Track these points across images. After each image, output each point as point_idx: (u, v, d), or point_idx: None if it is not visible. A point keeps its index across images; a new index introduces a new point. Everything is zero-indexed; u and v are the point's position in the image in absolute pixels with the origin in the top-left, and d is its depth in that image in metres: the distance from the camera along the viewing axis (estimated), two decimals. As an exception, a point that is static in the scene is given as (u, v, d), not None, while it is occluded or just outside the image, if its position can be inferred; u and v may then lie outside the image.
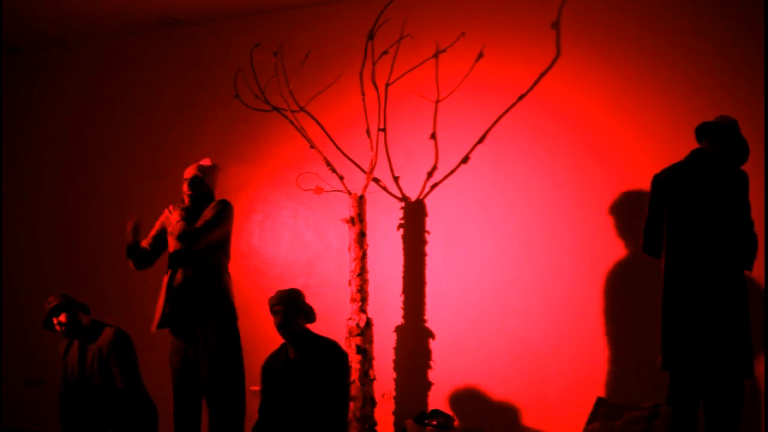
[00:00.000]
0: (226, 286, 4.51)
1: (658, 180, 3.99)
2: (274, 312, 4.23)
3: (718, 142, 3.92)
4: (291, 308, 4.19)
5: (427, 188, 5.25)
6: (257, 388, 4.46)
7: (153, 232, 4.74)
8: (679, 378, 3.84)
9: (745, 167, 3.88)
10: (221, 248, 4.54)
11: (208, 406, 4.51)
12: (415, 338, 5.18)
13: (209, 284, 4.45)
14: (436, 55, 5.21)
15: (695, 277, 3.76)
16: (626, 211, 4.68)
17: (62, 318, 4.65)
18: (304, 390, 4.13)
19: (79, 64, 6.63)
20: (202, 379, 4.47)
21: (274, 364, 4.30)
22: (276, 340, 4.35)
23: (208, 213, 4.47)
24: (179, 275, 4.47)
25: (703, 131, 3.98)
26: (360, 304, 4.88)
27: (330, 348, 4.21)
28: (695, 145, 3.99)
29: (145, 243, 4.69)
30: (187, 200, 4.57)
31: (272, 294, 4.29)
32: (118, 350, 4.63)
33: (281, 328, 4.20)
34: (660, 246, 3.93)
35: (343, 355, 4.23)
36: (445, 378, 5.10)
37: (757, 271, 4.05)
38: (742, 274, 3.78)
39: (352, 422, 4.75)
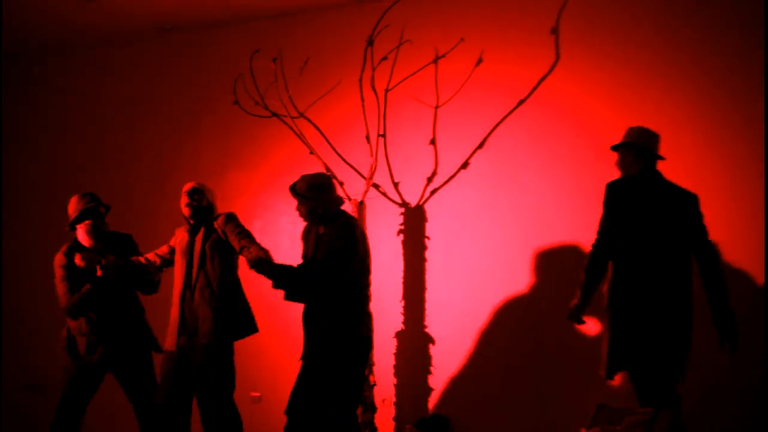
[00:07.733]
0: (236, 309, 4.54)
1: (614, 189, 3.97)
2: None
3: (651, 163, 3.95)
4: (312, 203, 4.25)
5: (427, 194, 5.25)
6: (257, 394, 4.46)
7: (161, 251, 4.63)
8: (637, 384, 3.92)
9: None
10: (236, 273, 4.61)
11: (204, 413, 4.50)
12: (415, 344, 5.17)
13: (223, 309, 4.45)
14: (435, 61, 5.21)
15: (646, 287, 3.83)
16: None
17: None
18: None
19: (78, 70, 6.64)
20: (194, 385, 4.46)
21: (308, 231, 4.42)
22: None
23: (236, 228, 4.48)
24: (190, 295, 4.45)
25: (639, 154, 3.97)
26: (360, 309, 4.86)
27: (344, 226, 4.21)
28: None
29: (152, 256, 4.60)
30: (187, 211, 4.53)
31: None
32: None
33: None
34: (611, 251, 3.95)
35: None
36: (445, 383, 5.09)
37: (757, 271, 4.05)
38: (689, 287, 3.82)
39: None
